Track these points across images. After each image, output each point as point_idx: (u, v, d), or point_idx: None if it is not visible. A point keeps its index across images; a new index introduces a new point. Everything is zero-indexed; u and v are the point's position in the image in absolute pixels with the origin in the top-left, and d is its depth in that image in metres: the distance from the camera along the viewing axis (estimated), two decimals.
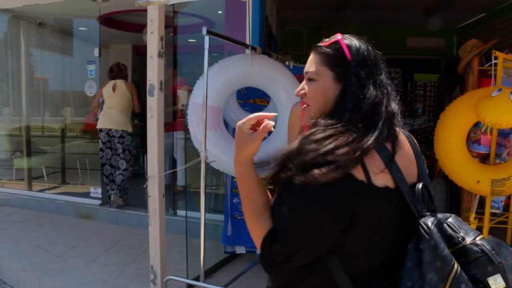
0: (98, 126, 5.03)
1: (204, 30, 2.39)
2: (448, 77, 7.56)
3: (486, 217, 2.72)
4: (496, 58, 2.57)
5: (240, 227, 3.49)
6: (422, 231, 0.99)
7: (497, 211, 2.90)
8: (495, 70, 2.62)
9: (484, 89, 2.63)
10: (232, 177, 3.47)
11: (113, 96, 5.00)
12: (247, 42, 4.05)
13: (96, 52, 5.10)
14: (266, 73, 2.89)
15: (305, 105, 1.19)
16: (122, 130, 5.01)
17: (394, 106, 1.09)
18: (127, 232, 4.58)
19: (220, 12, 5.39)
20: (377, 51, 1.15)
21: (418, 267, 0.97)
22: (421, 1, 6.64)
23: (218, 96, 2.75)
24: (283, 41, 6.87)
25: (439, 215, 1.02)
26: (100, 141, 5.07)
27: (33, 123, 6.46)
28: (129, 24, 6.76)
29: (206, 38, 2.41)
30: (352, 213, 0.97)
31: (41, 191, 5.95)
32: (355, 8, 7.07)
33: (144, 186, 2.73)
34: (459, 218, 1.03)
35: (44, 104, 6.90)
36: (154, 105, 2.70)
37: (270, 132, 3.11)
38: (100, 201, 5.21)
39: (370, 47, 1.13)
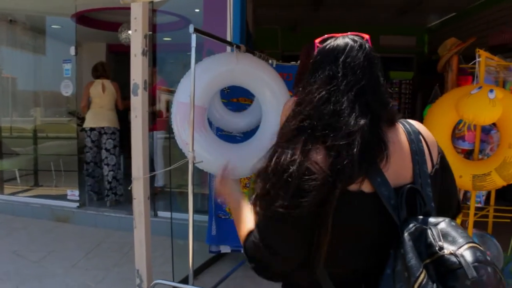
0: (90, 125, 5.06)
1: (191, 28, 2.34)
2: (421, 75, 7.73)
3: (471, 211, 2.79)
4: (479, 56, 2.62)
5: (224, 227, 3.47)
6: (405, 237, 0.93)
7: (479, 205, 2.97)
8: (473, 68, 2.68)
9: (466, 87, 2.68)
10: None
11: (103, 95, 5.12)
12: (228, 40, 4.03)
13: (72, 50, 4.96)
14: (251, 72, 2.86)
15: None
16: (114, 127, 5.17)
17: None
18: (107, 235, 4.48)
19: (197, 10, 5.33)
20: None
21: (393, 275, 0.93)
22: (395, 0, 6.76)
23: (203, 95, 2.71)
24: (258, 39, 6.88)
25: (431, 219, 0.96)
26: (89, 140, 5.11)
27: (2, 124, 6.24)
28: (104, 22, 6.62)
29: (193, 36, 2.37)
30: (322, 218, 0.94)
31: (14, 194, 5.75)
32: (331, 6, 7.14)
33: (129, 188, 2.66)
34: (453, 223, 0.96)
35: (13, 104, 6.67)
36: (138, 104, 2.64)
37: (256, 129, 3.04)
38: (77, 204, 5.07)
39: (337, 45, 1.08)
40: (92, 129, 5.10)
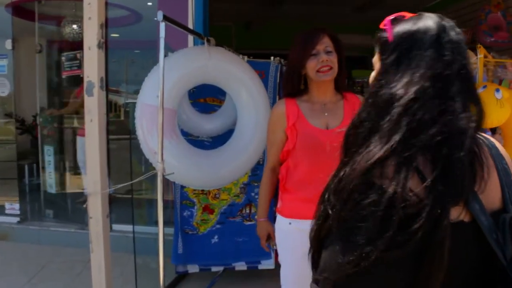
0: None
1: (160, 14, 1.98)
2: None
3: None
4: (479, 53, 2.44)
5: (192, 243, 3.10)
6: None
7: None
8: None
9: None
10: (182, 187, 3.06)
11: None
12: (188, 35, 3.66)
13: (8, 44, 4.39)
14: (226, 68, 2.53)
15: None
16: None
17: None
18: (54, 253, 3.95)
19: (150, 3, 4.93)
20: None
21: None
22: None
23: (172, 95, 2.35)
24: (212, 36, 6.51)
25: None
26: None
27: None
28: (44, 15, 6.00)
29: (162, 25, 2.01)
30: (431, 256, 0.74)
31: None
32: (289, 3, 6.91)
33: (84, 206, 2.25)
34: None
35: None
36: (94, 106, 2.22)
37: (227, 134, 2.72)
38: (18, 218, 4.48)
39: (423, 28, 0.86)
40: None
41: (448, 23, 0.88)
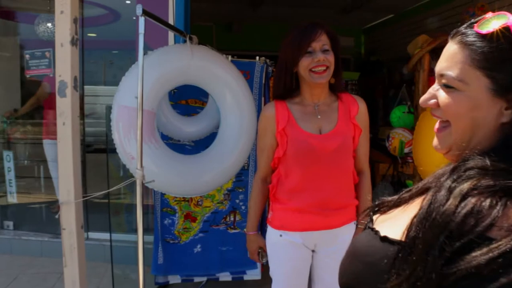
0: None
1: (139, 8, 1.82)
2: (360, 76, 7.61)
3: None
4: None
5: (173, 253, 2.94)
6: None
7: None
8: None
9: None
10: (162, 194, 2.89)
11: None
12: (169, 33, 3.50)
13: None
14: (209, 69, 2.38)
15: (439, 124, 0.75)
16: None
17: None
18: (26, 264, 3.72)
19: (128, 1, 4.76)
20: None
21: None
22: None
23: (150, 96, 2.18)
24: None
25: None
26: None
27: None
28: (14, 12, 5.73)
29: (141, 20, 1.85)
30: None
31: None
32: (270, 4, 6.80)
33: (56, 216, 2.07)
34: None
35: None
36: (67, 108, 2.06)
37: (213, 137, 2.56)
38: None
39: None
40: None
41: None
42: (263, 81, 3.05)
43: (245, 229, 1.93)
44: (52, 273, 3.39)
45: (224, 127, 2.53)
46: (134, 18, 4.82)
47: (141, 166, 1.92)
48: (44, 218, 4.48)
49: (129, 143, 2.13)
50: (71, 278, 2.13)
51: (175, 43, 3.32)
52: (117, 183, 2.25)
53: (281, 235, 1.73)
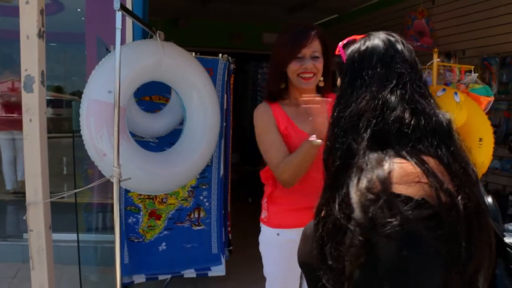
0: None
1: (116, 3, 1.78)
2: None
3: None
4: (437, 57, 2.52)
5: (138, 252, 2.88)
6: None
7: None
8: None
9: (431, 89, 2.58)
10: (126, 192, 2.83)
11: None
12: (126, 28, 3.41)
13: None
14: (179, 66, 2.37)
15: None
16: None
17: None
18: None
19: None
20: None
21: None
22: None
23: (122, 91, 2.12)
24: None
25: None
26: None
27: None
28: None
29: (118, 15, 1.81)
30: None
31: None
32: (218, 1, 6.79)
33: (24, 217, 1.96)
34: None
35: None
36: (34, 104, 1.97)
37: (178, 135, 2.55)
38: None
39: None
40: None
41: (394, 37, 0.96)
42: (225, 78, 3.06)
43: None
44: (4, 278, 3.20)
45: (190, 125, 2.53)
46: (79, 10, 4.65)
47: (118, 164, 1.88)
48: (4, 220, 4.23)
49: (101, 139, 2.08)
50: (39, 281, 2.03)
51: (134, 39, 3.24)
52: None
53: (278, 234, 1.75)
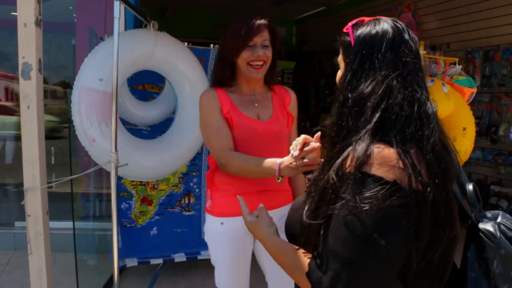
0: None
1: None
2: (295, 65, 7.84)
3: None
4: (424, 49, 2.61)
5: (131, 236, 2.96)
6: (485, 238, 0.94)
7: None
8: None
9: None
10: (120, 178, 2.88)
11: None
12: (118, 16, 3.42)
13: None
14: (172, 56, 2.42)
15: None
16: None
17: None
18: None
19: None
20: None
21: (486, 278, 0.92)
22: None
23: (113, 80, 2.18)
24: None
25: (498, 216, 0.98)
26: None
27: None
28: None
29: (116, 4, 1.86)
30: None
31: None
32: None
33: (22, 202, 2.01)
34: (505, 213, 0.99)
35: None
36: (32, 91, 2.00)
37: (169, 123, 2.61)
38: None
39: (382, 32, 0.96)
40: None
41: (401, 25, 0.98)
42: None
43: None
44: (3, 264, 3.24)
45: (182, 113, 2.59)
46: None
47: (116, 150, 1.94)
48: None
49: (91, 125, 2.13)
50: (37, 265, 2.09)
51: (126, 29, 3.27)
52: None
53: (222, 223, 1.74)
